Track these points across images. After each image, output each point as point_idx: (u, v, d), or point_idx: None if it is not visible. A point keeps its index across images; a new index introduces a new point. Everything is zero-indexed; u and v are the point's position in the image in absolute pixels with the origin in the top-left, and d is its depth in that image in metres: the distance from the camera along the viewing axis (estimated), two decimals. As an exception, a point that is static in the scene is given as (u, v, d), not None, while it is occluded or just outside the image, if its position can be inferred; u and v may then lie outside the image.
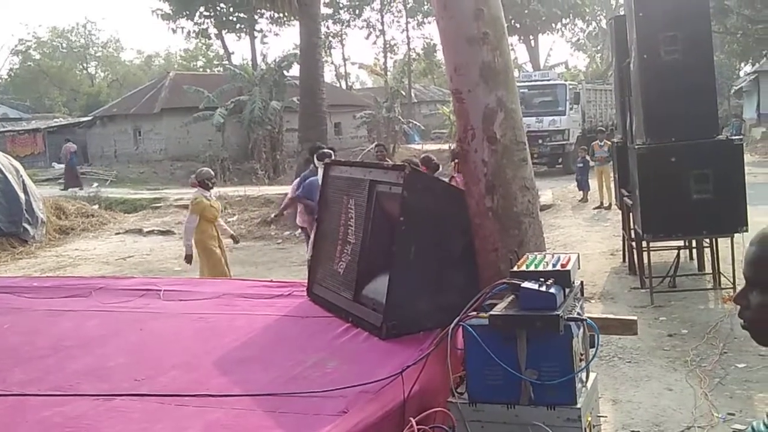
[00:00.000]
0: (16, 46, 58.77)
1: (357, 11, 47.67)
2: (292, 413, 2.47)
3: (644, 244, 8.41)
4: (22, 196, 15.81)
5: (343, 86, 52.20)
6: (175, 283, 4.84)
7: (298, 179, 9.97)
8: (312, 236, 4.78)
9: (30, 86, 58.15)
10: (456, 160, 9.47)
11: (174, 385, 2.82)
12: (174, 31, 42.07)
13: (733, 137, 8.44)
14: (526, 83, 24.80)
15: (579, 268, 2.95)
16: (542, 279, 2.63)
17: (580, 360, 2.64)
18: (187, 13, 40.40)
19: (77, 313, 4.13)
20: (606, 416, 4.27)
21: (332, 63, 52.82)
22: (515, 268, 2.82)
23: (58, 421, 2.52)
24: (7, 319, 4.11)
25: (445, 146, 31.98)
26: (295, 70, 29.46)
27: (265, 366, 3.03)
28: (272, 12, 37.19)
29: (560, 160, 24.59)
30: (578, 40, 50.12)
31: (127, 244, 15.75)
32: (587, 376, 2.78)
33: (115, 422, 2.49)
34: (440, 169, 10.01)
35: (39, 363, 3.25)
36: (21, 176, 16.35)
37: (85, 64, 65.55)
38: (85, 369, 3.11)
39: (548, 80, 26.42)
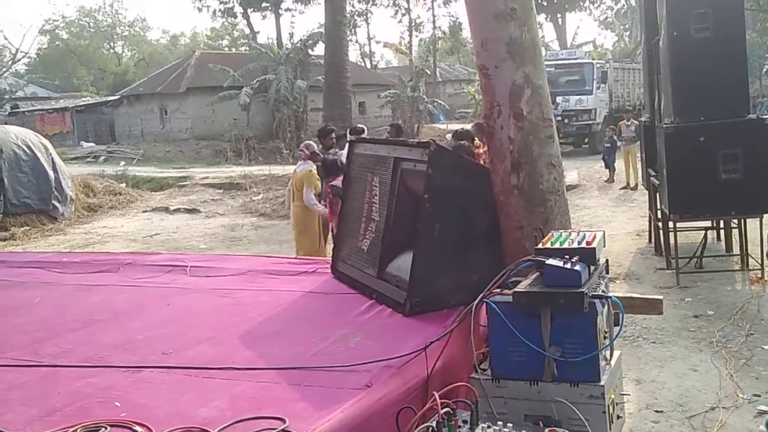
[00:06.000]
0: (43, 25, 59.27)
1: (382, -11, 47.27)
2: (317, 386, 2.50)
3: (671, 224, 8.32)
4: (51, 174, 16.05)
5: (368, 65, 51.97)
6: (201, 260, 4.90)
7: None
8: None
9: (58, 65, 58.72)
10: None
11: (201, 359, 2.87)
12: (200, 10, 42.24)
13: (764, 116, 8.28)
14: (553, 62, 24.49)
15: (604, 247, 2.93)
16: (567, 256, 2.62)
17: (604, 338, 2.63)
18: (213, -9, 40.43)
19: (106, 288, 4.20)
20: (629, 394, 4.27)
21: (357, 42, 52.59)
22: (540, 246, 2.82)
23: (88, 391, 2.58)
24: (38, 293, 4.20)
25: (470, 126, 31.80)
26: (320, 49, 29.45)
27: (290, 341, 3.06)
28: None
29: (587, 140, 24.33)
30: (606, 18, 49.36)
31: (154, 222, 15.94)
32: (611, 354, 2.77)
33: (144, 393, 2.54)
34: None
35: (69, 336, 3.31)
36: (50, 154, 16.59)
37: (112, 44, 66.04)
38: (114, 342, 3.17)
39: (575, 59, 26.06)
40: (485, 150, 7.66)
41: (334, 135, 9.87)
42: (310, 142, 9.38)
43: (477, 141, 8.60)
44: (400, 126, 12.08)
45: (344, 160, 9.29)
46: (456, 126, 29.99)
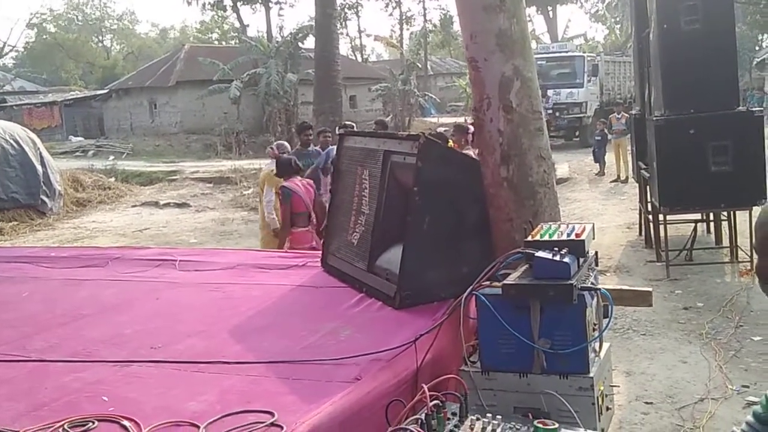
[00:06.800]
0: (31, 19, 58.87)
1: (373, -18, 47.14)
2: (306, 380, 2.49)
3: (661, 217, 8.36)
4: (39, 168, 15.96)
5: (359, 59, 51.89)
6: (190, 254, 4.88)
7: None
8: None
9: (46, 59, 58.37)
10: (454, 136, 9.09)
11: (190, 353, 2.85)
12: (189, 3, 41.94)
13: (754, 109, 8.31)
14: (544, 55, 24.53)
15: (594, 239, 2.93)
16: (556, 248, 2.62)
17: (594, 330, 2.63)
18: (202, -16, 40.21)
19: (94, 283, 4.18)
20: (619, 386, 4.29)
21: (348, 35, 52.53)
22: (529, 238, 2.81)
23: (76, 386, 2.56)
24: (26, 287, 4.17)
25: (461, 119, 31.81)
26: (310, 43, 29.34)
27: (279, 334, 3.05)
28: (287, -17, 36.90)
29: (577, 133, 24.39)
30: (597, 11, 49.49)
31: (144, 217, 15.88)
32: (600, 346, 2.78)
33: (133, 387, 2.53)
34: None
35: (57, 330, 3.29)
36: (38, 149, 16.50)
37: (100, 37, 65.70)
38: (102, 336, 3.15)
39: (566, 52, 26.13)
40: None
41: (311, 131, 9.80)
42: (282, 142, 9.32)
43: (451, 143, 8.55)
44: (385, 122, 12.05)
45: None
46: (448, 120, 29.93)
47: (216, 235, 13.23)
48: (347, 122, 11.23)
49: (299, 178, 7.00)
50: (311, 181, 7.32)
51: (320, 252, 4.25)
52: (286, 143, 9.22)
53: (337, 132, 9.66)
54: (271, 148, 8.90)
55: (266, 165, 8.78)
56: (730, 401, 4.92)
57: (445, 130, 10.32)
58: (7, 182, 15.30)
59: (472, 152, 7.42)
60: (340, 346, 2.82)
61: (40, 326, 3.36)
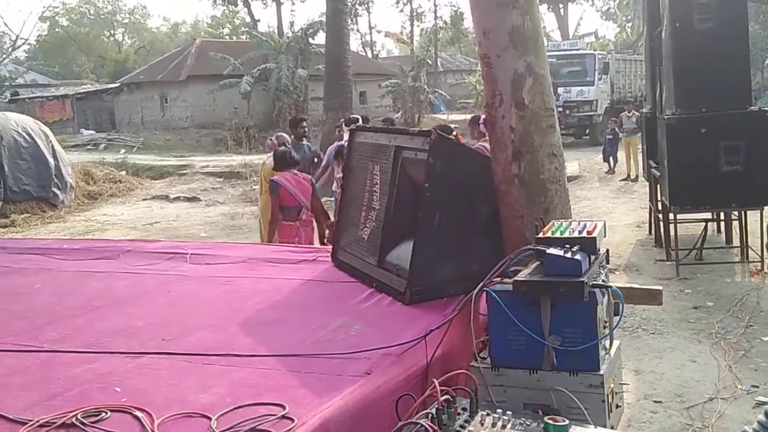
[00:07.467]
0: (43, 12, 59.09)
1: (384, -22, 47.11)
2: (317, 373, 2.50)
3: (671, 216, 8.33)
4: (51, 161, 16.05)
5: (369, 55, 51.86)
6: (201, 247, 4.89)
7: (333, 146, 9.94)
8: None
9: (58, 53, 58.55)
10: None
11: (201, 345, 2.87)
12: (200, -2, 42.04)
13: (766, 108, 8.27)
14: (555, 53, 24.43)
15: (605, 237, 2.93)
16: (568, 246, 2.61)
17: (604, 327, 2.63)
18: (214, -21, 40.26)
19: (106, 275, 4.20)
20: (628, 384, 4.28)
21: (358, 31, 52.52)
22: (541, 235, 2.81)
23: (89, 377, 2.58)
24: (38, 279, 4.20)
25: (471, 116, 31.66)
26: (320, 38, 29.35)
27: (290, 328, 3.07)
28: (298, -22, 36.95)
29: (588, 131, 24.29)
30: (609, 9, 49.27)
31: (154, 210, 15.94)
32: (611, 344, 2.77)
33: (144, 379, 2.54)
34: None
35: (70, 322, 3.31)
36: (50, 142, 16.59)
37: (112, 31, 65.88)
38: (114, 328, 3.17)
39: (577, 50, 26.01)
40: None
41: (305, 123, 9.77)
42: (282, 134, 9.28)
43: (454, 134, 8.52)
44: (392, 120, 12.05)
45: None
46: (458, 117, 29.83)
47: (226, 229, 13.27)
48: (352, 116, 11.24)
49: (293, 172, 6.98)
50: (307, 176, 7.28)
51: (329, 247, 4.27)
52: (285, 135, 9.20)
53: (344, 126, 9.69)
54: (271, 140, 8.88)
55: (267, 157, 8.79)
56: (739, 401, 4.91)
57: (455, 128, 10.28)
58: (20, 175, 15.40)
59: (485, 145, 7.41)
60: (350, 340, 2.83)
61: (53, 317, 3.38)
